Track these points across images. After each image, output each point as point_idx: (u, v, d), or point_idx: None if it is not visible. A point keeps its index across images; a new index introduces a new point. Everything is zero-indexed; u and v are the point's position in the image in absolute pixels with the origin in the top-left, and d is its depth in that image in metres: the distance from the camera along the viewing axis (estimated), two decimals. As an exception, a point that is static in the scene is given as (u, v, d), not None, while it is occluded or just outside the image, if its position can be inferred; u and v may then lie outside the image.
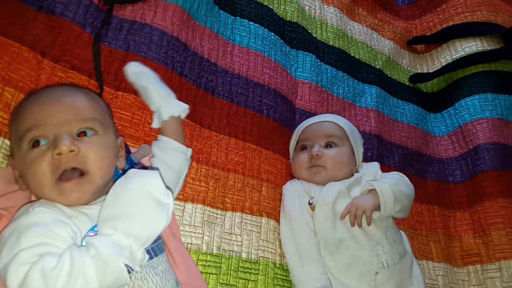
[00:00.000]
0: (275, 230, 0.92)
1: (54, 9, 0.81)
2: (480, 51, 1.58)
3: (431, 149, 1.44)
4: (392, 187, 0.90)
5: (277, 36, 1.26)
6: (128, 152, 0.75)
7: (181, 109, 0.79)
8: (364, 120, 1.32)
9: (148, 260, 0.58)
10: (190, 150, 0.79)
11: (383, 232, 0.89)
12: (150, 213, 0.51)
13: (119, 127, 0.80)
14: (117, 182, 0.53)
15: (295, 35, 1.34)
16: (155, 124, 0.79)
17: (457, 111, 1.50)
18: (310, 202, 0.92)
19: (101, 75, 0.82)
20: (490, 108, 1.44)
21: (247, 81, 1.09)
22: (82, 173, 0.58)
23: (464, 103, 1.49)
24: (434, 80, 1.65)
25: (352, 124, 1.08)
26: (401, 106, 1.49)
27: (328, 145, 0.98)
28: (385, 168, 1.22)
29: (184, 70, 0.96)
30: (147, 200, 0.51)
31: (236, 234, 0.85)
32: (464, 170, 1.38)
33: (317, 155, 0.96)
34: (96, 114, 0.63)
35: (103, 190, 0.61)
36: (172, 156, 0.75)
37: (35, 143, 0.57)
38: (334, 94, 1.32)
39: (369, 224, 0.87)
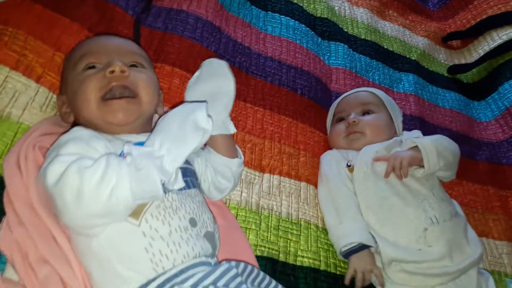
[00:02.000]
0: (315, 196, 0.87)
1: (100, -7, 0.87)
2: (519, 35, 1.49)
3: (478, 133, 1.34)
4: (434, 142, 0.83)
5: (308, 28, 1.27)
6: None
7: (231, 129, 0.67)
8: (403, 103, 1.26)
9: (185, 189, 0.56)
10: (239, 161, 0.69)
11: (429, 189, 0.81)
12: (185, 132, 0.50)
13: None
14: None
15: (326, 29, 1.33)
16: None
17: (501, 95, 1.40)
18: (348, 164, 0.86)
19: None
20: (536, 86, 1.33)
21: (280, 63, 1.09)
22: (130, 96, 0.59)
23: (509, 85, 1.39)
24: (473, 70, 1.56)
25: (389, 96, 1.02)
26: (442, 93, 1.41)
27: (365, 113, 0.94)
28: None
29: (219, 50, 0.98)
30: (186, 122, 0.51)
31: (275, 195, 0.81)
32: (516, 151, 1.26)
33: (354, 121, 0.91)
34: (144, 55, 0.67)
35: (146, 124, 0.62)
36: (218, 181, 0.68)
37: (91, 67, 0.60)
38: (370, 80, 1.28)
39: (405, 175, 0.79)
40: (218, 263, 0.55)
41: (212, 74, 0.68)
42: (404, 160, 0.79)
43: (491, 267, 0.95)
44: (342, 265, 0.80)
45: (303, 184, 0.86)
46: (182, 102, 0.83)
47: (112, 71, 0.58)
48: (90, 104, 0.57)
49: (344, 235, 0.77)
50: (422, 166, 0.82)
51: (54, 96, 0.70)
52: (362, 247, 0.76)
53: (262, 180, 0.82)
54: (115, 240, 0.49)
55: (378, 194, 0.80)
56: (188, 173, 0.60)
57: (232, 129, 0.66)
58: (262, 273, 0.58)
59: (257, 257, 0.71)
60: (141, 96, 0.60)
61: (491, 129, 1.36)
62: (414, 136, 0.93)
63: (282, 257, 0.75)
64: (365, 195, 0.81)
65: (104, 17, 0.85)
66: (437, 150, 0.81)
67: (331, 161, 0.89)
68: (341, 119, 0.96)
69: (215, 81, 0.67)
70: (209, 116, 0.52)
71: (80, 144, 0.51)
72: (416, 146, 0.83)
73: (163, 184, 0.47)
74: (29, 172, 0.54)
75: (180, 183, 0.51)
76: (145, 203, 0.50)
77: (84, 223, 0.48)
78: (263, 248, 0.74)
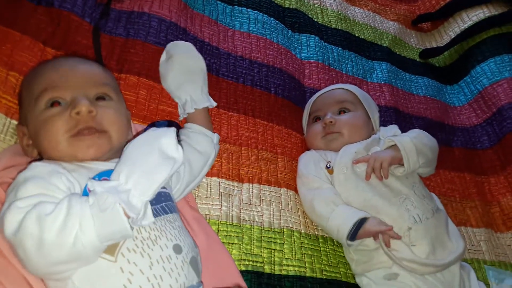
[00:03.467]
0: (296, 201, 0.89)
1: (53, 1, 0.84)
2: (488, 16, 1.56)
3: (453, 119, 1.40)
4: (413, 139, 0.87)
5: (277, 21, 1.27)
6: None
7: (208, 103, 0.81)
8: (377, 94, 1.30)
9: (162, 214, 0.56)
10: (216, 135, 0.79)
11: (410, 188, 0.85)
12: (153, 163, 0.50)
13: (125, 108, 0.80)
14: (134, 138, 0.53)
15: (296, 20, 1.34)
16: (181, 114, 0.81)
17: (474, 78, 1.46)
18: (328, 166, 0.89)
19: (102, 60, 0.83)
20: (508, 68, 1.40)
21: (251, 62, 1.09)
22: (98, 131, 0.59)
23: (480, 68, 1.45)
24: (445, 53, 1.62)
25: (364, 91, 1.05)
26: (415, 80, 1.46)
27: (341, 111, 0.96)
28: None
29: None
30: (154, 151, 0.50)
31: (255, 205, 0.83)
32: (491, 134, 1.33)
33: (331, 122, 0.93)
34: (111, 82, 0.66)
35: (116, 152, 0.62)
36: (196, 139, 0.76)
37: (53, 103, 0.58)
38: (343, 72, 1.31)
39: (386, 176, 0.83)
40: None
41: (182, 55, 0.82)
42: (384, 161, 0.83)
43: (470, 256, 1.01)
44: (328, 269, 0.84)
45: (283, 190, 0.88)
46: (153, 113, 0.83)
47: (78, 112, 0.57)
48: (58, 144, 0.57)
49: (343, 220, 0.79)
50: (402, 165, 0.85)
51: (12, 121, 0.68)
52: (363, 220, 0.79)
53: (242, 191, 0.83)
54: (91, 279, 0.49)
55: (360, 195, 0.83)
56: (163, 198, 0.60)
57: (214, 103, 0.82)
58: None
59: (242, 271, 0.73)
60: (110, 132, 0.60)
61: (464, 113, 1.43)
62: (392, 132, 0.96)
63: (267, 269, 0.77)
64: (346, 196, 0.84)
65: (59, 28, 0.82)
66: (416, 148, 0.85)
67: (309, 162, 0.91)
68: (317, 119, 0.99)
69: (187, 61, 0.82)
70: (178, 142, 0.51)
71: (40, 183, 0.50)
72: (395, 145, 0.86)
73: (130, 221, 0.47)
74: (-6, 214, 0.52)
75: (150, 219, 0.49)
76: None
77: (50, 271, 0.48)
78: (247, 262, 0.76)
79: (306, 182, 0.88)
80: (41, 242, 0.44)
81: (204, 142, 0.76)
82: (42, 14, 0.82)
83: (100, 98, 0.62)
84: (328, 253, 0.85)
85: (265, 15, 1.24)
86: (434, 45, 1.69)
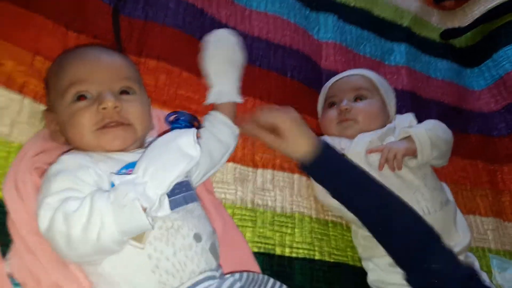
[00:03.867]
0: (308, 187, 0.93)
1: (73, -17, 0.86)
2: (515, -3, 1.52)
3: (471, 104, 1.40)
4: (428, 132, 0.88)
5: (295, 0, 1.26)
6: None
7: (238, 100, 0.86)
8: (395, 77, 1.30)
9: (184, 205, 0.61)
10: (237, 128, 0.83)
11: (421, 179, 0.88)
12: (170, 159, 0.54)
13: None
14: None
15: (314, -2, 1.33)
16: (210, 100, 0.84)
17: (496, 63, 1.45)
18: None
19: (122, 43, 0.86)
20: (532, 53, 1.38)
21: (268, 43, 1.10)
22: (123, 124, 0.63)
23: (503, 52, 1.44)
24: (467, 34, 1.60)
25: (382, 77, 1.06)
26: (434, 63, 1.46)
27: (357, 99, 0.98)
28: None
29: (203, 35, 0.99)
30: (172, 149, 0.54)
31: (269, 190, 0.87)
32: (509, 121, 1.34)
33: (346, 109, 0.96)
34: (134, 75, 0.69)
35: (140, 143, 0.67)
36: (219, 129, 0.80)
37: (80, 97, 0.62)
38: (361, 53, 1.31)
39: (399, 167, 0.86)
40: (223, 274, 0.62)
41: (231, 46, 0.87)
42: (399, 153, 0.85)
43: (475, 244, 1.05)
44: (336, 252, 0.89)
45: (296, 176, 0.92)
46: (172, 98, 0.86)
47: (105, 107, 0.60)
48: (84, 136, 0.61)
49: None
50: (416, 156, 0.88)
51: (41, 106, 0.72)
52: None
53: (256, 176, 0.87)
54: (121, 265, 0.54)
55: None
56: (184, 188, 0.64)
57: (242, 100, 0.86)
58: (265, 277, 0.64)
59: (255, 253, 0.78)
60: (135, 125, 0.64)
61: (483, 98, 1.43)
62: (407, 121, 0.98)
63: (278, 251, 0.82)
64: None
65: (80, 11, 0.84)
66: (431, 141, 0.87)
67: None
68: (332, 104, 1.01)
69: (233, 54, 0.86)
70: (197, 142, 0.55)
71: (69, 177, 0.55)
72: (410, 136, 0.88)
73: (146, 212, 0.50)
74: (30, 198, 0.57)
75: (166, 211, 0.53)
76: None
77: (80, 260, 0.54)
78: (260, 244, 0.81)
79: None
80: (69, 238, 0.49)
81: (226, 133, 0.80)
82: (63, -4, 0.84)
83: (124, 91, 0.65)
84: (337, 238, 0.90)
85: (283, -8, 1.23)
86: (457, 25, 1.66)
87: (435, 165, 0.93)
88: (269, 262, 0.80)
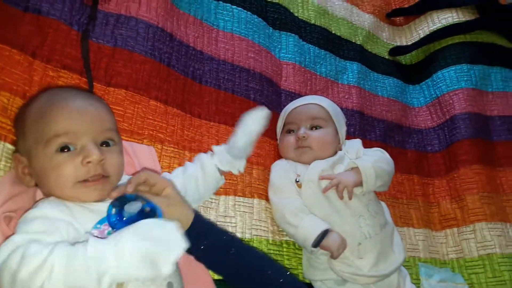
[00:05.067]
0: (266, 210, 0.97)
1: (40, 8, 0.81)
2: (456, 22, 1.62)
3: (410, 120, 1.50)
4: (374, 164, 0.96)
5: (260, 18, 1.27)
6: None
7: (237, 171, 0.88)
8: (346, 97, 1.36)
9: None
10: (223, 181, 0.87)
11: (365, 206, 0.95)
12: (139, 265, 0.52)
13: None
14: (158, 220, 0.57)
15: (278, 16, 1.34)
16: (218, 162, 0.85)
17: (434, 83, 1.55)
18: (297, 180, 0.97)
19: (91, 72, 0.83)
20: (465, 78, 1.49)
21: (233, 66, 1.11)
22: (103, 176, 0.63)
23: (441, 74, 1.54)
24: (412, 52, 1.69)
25: (335, 104, 1.12)
26: (381, 80, 1.53)
27: (313, 127, 1.03)
28: (366, 142, 1.27)
29: (172, 61, 0.98)
30: (155, 252, 0.52)
31: (230, 216, 0.91)
32: (441, 139, 1.45)
33: (303, 137, 1.00)
34: (113, 125, 0.68)
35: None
36: (207, 182, 0.83)
37: (63, 148, 0.61)
38: (317, 73, 1.35)
39: (350, 198, 0.93)
40: None
41: (258, 126, 0.87)
42: (349, 186, 0.92)
43: (408, 254, 1.17)
44: (288, 268, 0.95)
45: (255, 200, 0.96)
46: (140, 128, 0.86)
47: (90, 162, 0.60)
48: (65, 188, 0.60)
49: (310, 229, 0.88)
50: (361, 185, 0.95)
51: (6, 144, 0.69)
52: (327, 232, 0.88)
53: (219, 204, 0.90)
54: None
55: (322, 210, 0.93)
56: None
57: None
58: None
59: (215, 280, 0.81)
60: (113, 177, 0.64)
61: (421, 115, 1.54)
62: (355, 149, 1.04)
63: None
64: (311, 208, 0.93)
65: (48, 38, 0.80)
66: (376, 173, 0.94)
67: (281, 173, 0.99)
68: (291, 131, 1.05)
69: (258, 132, 0.87)
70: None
71: (44, 223, 0.55)
72: (357, 167, 0.95)
73: None
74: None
75: None
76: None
77: None
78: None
79: (277, 192, 0.96)
80: (15, 278, 0.49)
81: (210, 188, 0.85)
82: (30, 23, 0.79)
83: (105, 143, 0.65)
84: (290, 257, 0.96)
85: (248, 12, 1.23)
86: (404, 41, 1.75)
87: (377, 190, 1.02)
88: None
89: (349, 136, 1.25)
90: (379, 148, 1.06)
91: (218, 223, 0.88)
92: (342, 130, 1.08)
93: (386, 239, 0.96)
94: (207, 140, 0.96)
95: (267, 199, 0.99)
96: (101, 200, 0.63)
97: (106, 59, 0.87)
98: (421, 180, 1.36)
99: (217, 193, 0.91)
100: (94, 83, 0.83)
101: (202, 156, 0.86)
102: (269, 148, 1.07)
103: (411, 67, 1.67)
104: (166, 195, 0.67)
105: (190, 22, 1.08)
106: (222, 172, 0.85)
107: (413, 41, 1.71)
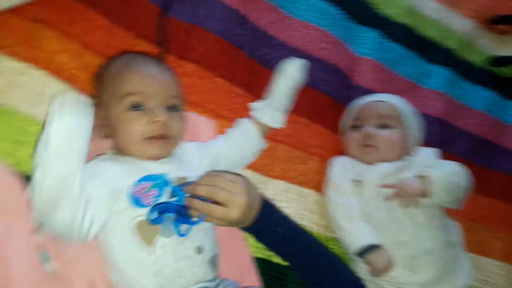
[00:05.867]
0: (317, 202, 0.97)
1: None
2: None
3: (504, 139, 1.36)
4: (445, 177, 0.91)
5: (339, 10, 1.24)
6: None
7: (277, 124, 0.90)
8: (427, 102, 1.29)
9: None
10: (262, 145, 0.90)
11: (427, 218, 0.92)
12: None
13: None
14: None
15: (358, 9, 1.30)
16: (256, 114, 0.89)
17: (540, 98, 1.37)
18: (358, 180, 0.93)
19: (166, 46, 0.89)
20: None
21: (304, 55, 1.11)
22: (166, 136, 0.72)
23: (549, 89, 1.36)
24: (516, 64, 1.51)
25: (411, 106, 1.06)
26: (474, 92, 1.42)
27: (382, 126, 0.97)
28: (446, 155, 1.18)
29: (243, 43, 1.02)
30: None
31: (278, 201, 0.90)
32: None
33: (370, 135, 0.96)
34: (179, 92, 0.77)
35: None
36: (247, 146, 0.86)
37: (136, 107, 0.69)
38: (398, 73, 1.30)
39: (413, 207, 0.90)
40: (219, 285, 0.69)
41: (295, 76, 0.90)
42: (413, 194, 0.88)
43: (477, 284, 1.04)
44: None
45: (307, 190, 0.97)
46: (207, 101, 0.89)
47: (157, 121, 0.69)
48: (131, 142, 0.69)
49: (356, 240, 0.86)
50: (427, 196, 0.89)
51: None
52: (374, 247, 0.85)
53: (268, 186, 0.92)
54: (132, 265, 0.62)
55: (379, 216, 0.91)
56: None
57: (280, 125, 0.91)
58: None
59: (255, 258, 0.85)
60: (175, 139, 0.73)
61: (519, 135, 1.37)
62: (428, 157, 0.98)
63: (275, 259, 0.87)
64: (367, 212, 0.91)
65: (128, 8, 0.88)
66: (446, 187, 0.90)
67: (340, 169, 0.99)
68: (357, 127, 1.01)
69: (295, 83, 0.90)
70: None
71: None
72: (426, 176, 0.90)
73: None
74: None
75: None
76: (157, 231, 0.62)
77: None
78: (261, 251, 0.87)
79: (335, 189, 0.97)
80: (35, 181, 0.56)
81: (253, 149, 0.87)
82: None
83: (171, 107, 0.73)
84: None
85: (327, 2, 1.21)
86: (509, 51, 1.58)
87: (445, 205, 0.93)
88: (267, 268, 0.86)
89: (427, 145, 1.16)
90: (457, 162, 0.96)
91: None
92: (415, 134, 1.01)
93: (449, 259, 0.90)
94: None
95: (320, 191, 0.96)
96: (160, 158, 0.71)
97: (182, 35, 0.94)
98: (507, 207, 1.21)
99: (268, 175, 0.91)
100: (168, 55, 0.88)
101: (243, 121, 0.90)
102: (331, 141, 1.05)
103: (510, 81, 1.49)
104: (227, 204, 0.64)
105: (264, 7, 1.11)
106: (264, 136, 0.88)
107: (520, 52, 1.53)
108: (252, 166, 0.91)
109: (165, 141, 0.70)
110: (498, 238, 1.16)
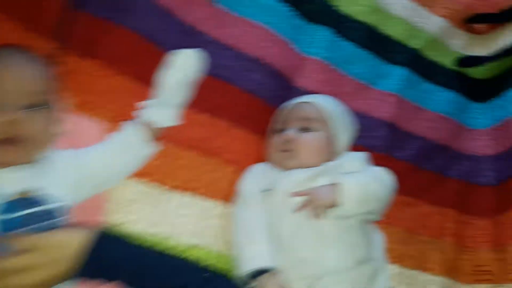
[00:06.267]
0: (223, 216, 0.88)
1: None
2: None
3: (463, 143, 1.25)
4: (361, 185, 0.78)
5: (289, 7, 1.17)
6: None
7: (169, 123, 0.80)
8: (377, 104, 1.19)
9: None
10: (152, 149, 0.79)
11: (340, 232, 0.78)
12: None
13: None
14: None
15: (313, 7, 1.22)
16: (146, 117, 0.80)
17: (506, 102, 1.28)
18: (267, 189, 0.84)
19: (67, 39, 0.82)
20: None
21: (237, 53, 1.04)
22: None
23: (517, 92, 1.26)
24: (488, 65, 1.42)
25: (343, 107, 0.98)
26: (435, 93, 1.30)
27: (304, 129, 0.91)
28: (392, 161, 1.11)
29: (166, 40, 0.92)
30: None
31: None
32: (499, 171, 1.18)
33: (289, 139, 0.89)
34: (47, 89, 0.68)
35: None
36: (130, 152, 0.78)
37: None
38: (348, 75, 1.20)
39: (318, 217, 0.78)
40: None
41: (187, 68, 0.82)
42: (321, 204, 0.77)
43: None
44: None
45: (213, 203, 0.88)
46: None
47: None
48: None
49: (247, 262, 0.77)
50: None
51: None
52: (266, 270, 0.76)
53: (170, 198, 0.83)
54: None
55: (285, 228, 0.80)
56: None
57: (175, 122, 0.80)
58: None
59: None
60: (31, 143, 0.65)
61: (481, 139, 1.26)
62: (355, 163, 0.89)
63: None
64: (273, 224, 0.81)
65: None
66: (360, 196, 0.77)
67: (253, 179, 0.88)
68: (281, 130, 0.94)
69: (188, 76, 0.82)
70: None
71: None
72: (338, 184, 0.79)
73: None
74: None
75: None
76: None
77: None
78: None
79: (240, 200, 0.85)
80: None
81: (137, 154, 0.78)
82: None
83: (32, 106, 0.64)
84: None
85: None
86: (483, 52, 1.48)
87: (361, 217, 0.85)
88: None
89: (371, 149, 1.10)
90: (383, 168, 0.89)
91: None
92: (342, 137, 0.93)
93: (362, 279, 0.78)
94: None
95: (229, 203, 0.88)
96: (6, 165, 0.61)
97: (91, 30, 0.87)
98: (457, 216, 1.13)
99: (167, 185, 0.83)
100: (67, 50, 0.81)
101: (126, 123, 0.78)
102: (255, 147, 0.97)
103: (480, 82, 1.40)
104: None
105: (196, 2, 1.02)
106: (154, 138, 0.77)
107: (494, 53, 1.44)
108: (147, 175, 0.79)
109: (11, 146, 0.60)
110: (438, 249, 1.04)
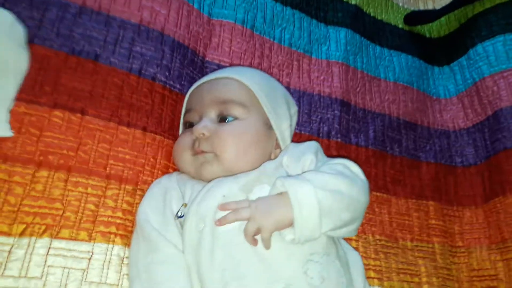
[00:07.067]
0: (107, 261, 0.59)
1: None
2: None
3: (432, 117, 1.07)
4: (321, 190, 0.54)
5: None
6: None
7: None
8: (322, 78, 0.96)
9: None
10: None
11: (300, 265, 0.54)
12: None
13: None
14: None
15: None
16: None
17: (472, 61, 1.11)
18: (179, 215, 0.58)
19: None
20: (519, 53, 1.04)
21: (109, 18, 0.74)
22: None
23: (482, 48, 1.09)
24: (442, 19, 1.25)
25: (275, 81, 0.72)
26: (387, 58, 1.11)
27: (222, 118, 0.63)
28: (351, 148, 0.88)
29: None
30: None
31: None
32: (479, 147, 1.01)
33: (203, 134, 0.61)
34: None
35: None
36: None
37: None
38: (275, 41, 0.96)
39: (267, 247, 0.53)
40: None
41: None
42: (265, 228, 0.52)
43: None
44: None
45: (118, 248, 0.58)
46: None
47: None
48: None
49: None
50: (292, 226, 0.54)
51: None
52: None
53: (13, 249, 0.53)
54: None
55: (213, 270, 0.53)
56: None
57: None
58: None
59: None
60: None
61: (450, 110, 1.10)
62: (306, 157, 0.63)
63: None
64: (196, 266, 0.54)
65: None
66: (321, 207, 0.52)
67: (156, 201, 0.60)
68: (191, 125, 0.66)
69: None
70: None
71: None
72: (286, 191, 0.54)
73: None
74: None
75: None
76: None
77: None
78: None
79: (142, 236, 0.57)
80: None
81: None
82: None
83: None
84: None
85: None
86: (431, 5, 1.32)
87: (331, 235, 0.59)
88: None
89: (317, 137, 0.86)
90: (345, 160, 0.63)
91: None
92: (283, 124, 0.67)
93: None
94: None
95: (123, 244, 0.60)
96: None
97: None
98: (441, 209, 0.92)
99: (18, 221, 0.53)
100: None
101: None
102: (153, 151, 0.69)
103: (438, 41, 1.23)
104: None
105: None
106: None
107: (444, 4, 1.27)
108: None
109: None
110: (426, 256, 0.82)
